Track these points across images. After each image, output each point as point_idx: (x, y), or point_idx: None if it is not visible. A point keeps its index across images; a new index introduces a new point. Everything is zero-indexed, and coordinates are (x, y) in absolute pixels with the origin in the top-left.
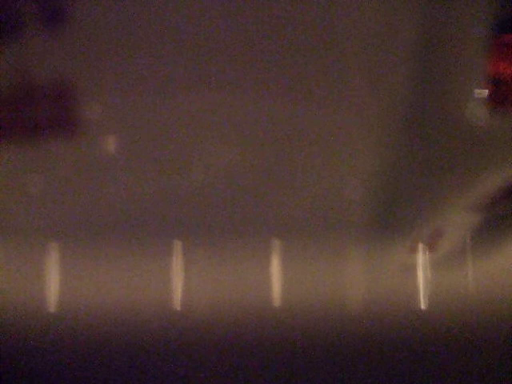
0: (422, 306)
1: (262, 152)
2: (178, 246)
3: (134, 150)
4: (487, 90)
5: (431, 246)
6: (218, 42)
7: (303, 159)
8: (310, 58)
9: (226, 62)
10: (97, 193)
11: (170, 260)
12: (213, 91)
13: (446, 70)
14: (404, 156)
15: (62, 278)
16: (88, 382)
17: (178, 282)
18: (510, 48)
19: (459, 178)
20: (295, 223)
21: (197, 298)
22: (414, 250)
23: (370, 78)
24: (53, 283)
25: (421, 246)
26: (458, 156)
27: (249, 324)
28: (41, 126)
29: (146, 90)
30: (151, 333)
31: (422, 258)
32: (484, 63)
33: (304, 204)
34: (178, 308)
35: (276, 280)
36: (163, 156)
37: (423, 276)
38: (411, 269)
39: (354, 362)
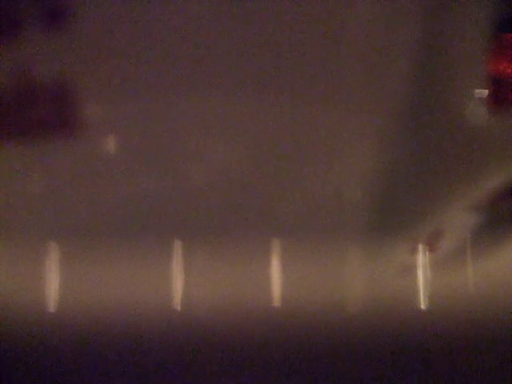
0: (422, 306)
1: (263, 152)
2: (178, 246)
3: (134, 149)
4: (487, 90)
5: (431, 247)
6: (220, 43)
7: (303, 159)
8: (309, 57)
9: (227, 62)
10: (97, 193)
11: (170, 260)
12: (214, 91)
13: (446, 70)
14: (404, 156)
15: (61, 278)
16: (88, 382)
17: (178, 282)
18: (510, 48)
19: (459, 178)
20: (295, 223)
21: (197, 298)
22: (414, 251)
23: (369, 79)
24: (53, 283)
25: (421, 247)
26: (458, 156)
27: (249, 324)
28: (41, 125)
29: (147, 90)
30: (151, 333)
31: (421, 258)
32: (484, 63)
33: (304, 204)
34: (178, 308)
35: (276, 280)
36: (163, 156)
37: (423, 276)
38: (411, 269)
39: (353, 362)
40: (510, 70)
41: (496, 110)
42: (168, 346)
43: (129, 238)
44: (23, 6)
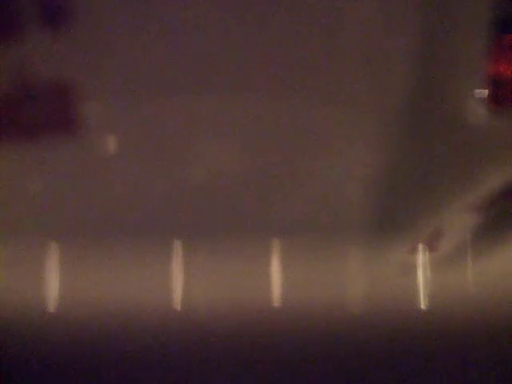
0: (422, 306)
1: (263, 153)
2: (178, 245)
3: (134, 150)
4: (487, 90)
5: (431, 246)
6: (220, 43)
7: (304, 160)
8: (311, 58)
9: (227, 63)
10: (97, 193)
11: (169, 260)
12: (214, 91)
13: (446, 70)
14: (404, 156)
15: (61, 278)
16: (88, 382)
17: (178, 282)
18: (511, 48)
19: (459, 177)
20: (295, 223)
21: (197, 298)
22: (414, 251)
23: (370, 79)
24: (53, 283)
25: (421, 247)
26: (458, 156)
27: (248, 324)
28: (41, 125)
29: (147, 91)
30: (151, 333)
31: (421, 258)
32: (484, 63)
33: (304, 204)
34: (178, 308)
35: (276, 280)
36: (163, 156)
37: (423, 276)
38: (411, 269)
39: (354, 362)
40: (509, 71)
41: (496, 110)
42: (168, 345)
43: (129, 237)
44: (23, 6)
